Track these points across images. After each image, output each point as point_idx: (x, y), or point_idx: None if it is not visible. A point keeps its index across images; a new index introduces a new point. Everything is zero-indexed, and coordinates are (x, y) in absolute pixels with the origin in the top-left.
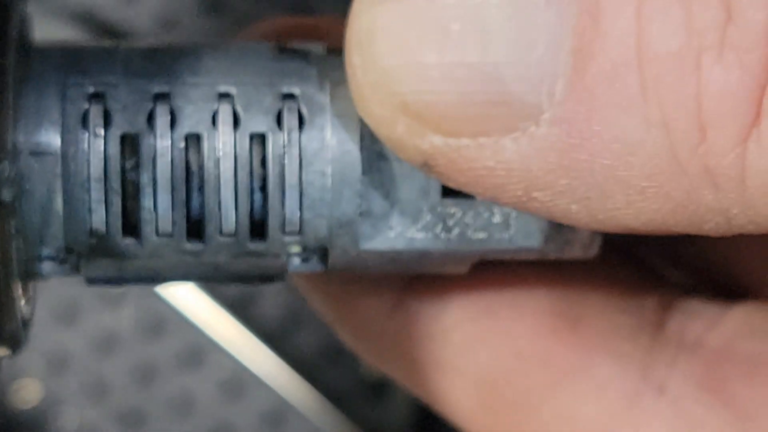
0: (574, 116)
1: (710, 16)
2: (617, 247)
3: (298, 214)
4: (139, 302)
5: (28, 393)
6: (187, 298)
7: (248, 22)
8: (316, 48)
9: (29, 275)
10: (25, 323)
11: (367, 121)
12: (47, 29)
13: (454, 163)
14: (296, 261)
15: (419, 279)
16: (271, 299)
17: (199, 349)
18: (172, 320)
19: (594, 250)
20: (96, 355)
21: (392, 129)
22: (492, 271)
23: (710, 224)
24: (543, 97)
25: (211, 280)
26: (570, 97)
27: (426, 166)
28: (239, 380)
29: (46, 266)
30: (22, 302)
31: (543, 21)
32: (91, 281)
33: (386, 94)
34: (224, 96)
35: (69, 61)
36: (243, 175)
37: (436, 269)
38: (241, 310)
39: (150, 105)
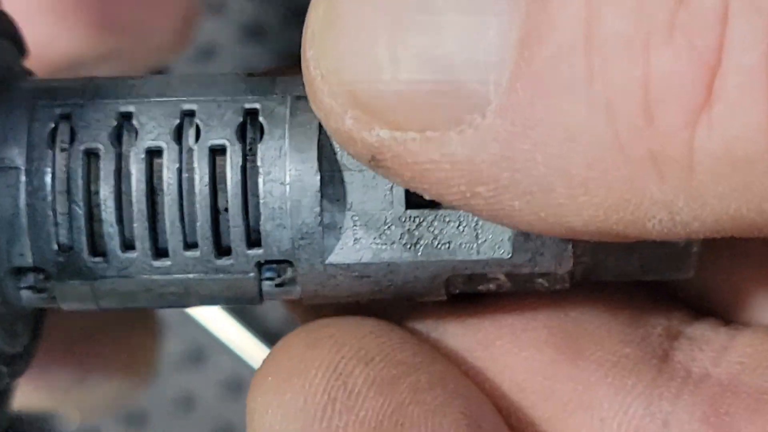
0: (518, 103)
1: (662, 1)
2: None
3: (259, 223)
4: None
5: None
6: None
7: (252, 28)
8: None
9: (7, 304)
10: (8, 360)
11: (318, 113)
12: None
13: (400, 157)
14: (269, 284)
15: (413, 314)
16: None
17: (201, 348)
18: (173, 320)
19: (567, 264)
20: None
21: (341, 121)
22: (488, 301)
23: (653, 222)
24: (490, 86)
25: (189, 303)
26: (515, 84)
27: (373, 161)
28: (241, 379)
29: (25, 295)
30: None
31: (494, 9)
32: (69, 306)
33: (336, 83)
34: (187, 112)
35: (41, 88)
36: (202, 188)
37: (410, 289)
38: (243, 309)
39: (114, 122)
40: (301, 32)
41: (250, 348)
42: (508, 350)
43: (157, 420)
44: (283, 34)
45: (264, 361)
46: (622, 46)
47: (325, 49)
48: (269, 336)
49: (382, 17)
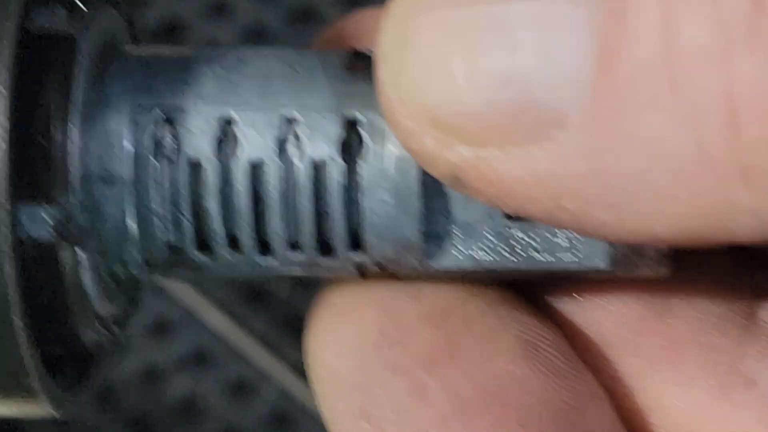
0: (601, 119)
1: (739, 8)
2: None
3: (361, 238)
4: (144, 304)
5: None
6: (193, 300)
7: (254, 27)
8: None
9: (113, 280)
10: (118, 321)
11: (397, 135)
12: None
13: (483, 174)
14: (375, 269)
15: None
16: (275, 303)
17: (206, 351)
18: (178, 321)
19: (665, 270)
20: None
21: (421, 142)
22: None
23: (743, 228)
24: (570, 102)
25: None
26: (596, 100)
27: (456, 180)
28: (245, 382)
29: (129, 270)
30: (102, 307)
31: (568, 25)
32: (171, 281)
33: (415, 106)
34: (289, 121)
35: (141, 80)
36: (304, 202)
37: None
38: (246, 313)
39: (216, 131)
40: (301, 33)
41: (254, 350)
42: (596, 304)
43: (159, 421)
44: (285, 35)
45: (318, 301)
46: (702, 57)
47: (401, 71)
48: (273, 338)
49: (455, 38)
